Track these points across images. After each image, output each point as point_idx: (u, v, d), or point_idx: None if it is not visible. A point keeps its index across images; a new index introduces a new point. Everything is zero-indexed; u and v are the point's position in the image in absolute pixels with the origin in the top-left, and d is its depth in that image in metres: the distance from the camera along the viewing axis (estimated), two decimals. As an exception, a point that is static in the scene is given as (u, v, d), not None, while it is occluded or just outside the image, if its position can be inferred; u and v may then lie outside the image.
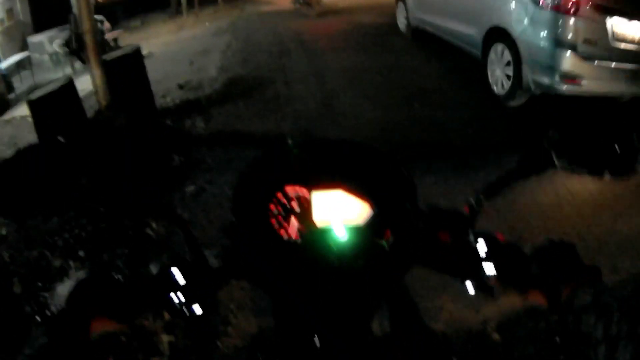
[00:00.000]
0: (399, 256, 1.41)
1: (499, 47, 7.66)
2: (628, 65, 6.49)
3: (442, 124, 7.21)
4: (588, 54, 6.46)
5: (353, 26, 14.21)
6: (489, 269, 1.33)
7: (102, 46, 14.39)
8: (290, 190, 1.47)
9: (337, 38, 13.10)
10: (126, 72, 8.45)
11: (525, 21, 7.02)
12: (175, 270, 1.34)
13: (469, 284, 1.36)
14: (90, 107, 8.27)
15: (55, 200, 1.40)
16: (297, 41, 13.24)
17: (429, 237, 1.40)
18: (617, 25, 6.38)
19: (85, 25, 7.64)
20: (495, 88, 7.90)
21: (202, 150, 6.90)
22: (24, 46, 16.25)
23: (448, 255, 1.40)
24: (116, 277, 1.34)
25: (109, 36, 15.95)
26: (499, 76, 7.73)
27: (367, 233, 1.39)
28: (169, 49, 14.86)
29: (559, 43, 6.55)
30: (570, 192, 5.12)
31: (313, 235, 1.41)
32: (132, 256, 4.80)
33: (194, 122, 8.17)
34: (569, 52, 6.48)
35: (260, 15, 19.19)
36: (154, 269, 1.36)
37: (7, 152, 8.45)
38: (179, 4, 21.64)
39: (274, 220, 1.44)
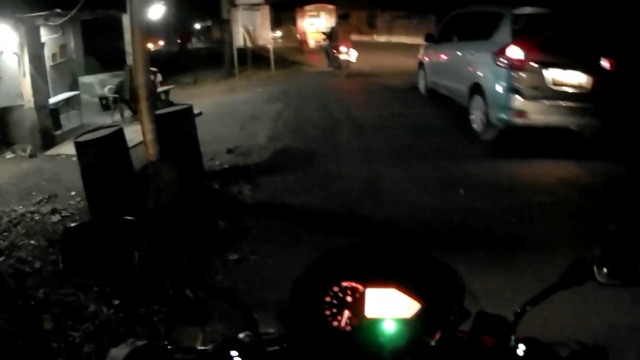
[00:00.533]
0: (444, 356, 1.41)
1: (477, 97, 10.42)
2: (563, 103, 9.20)
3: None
4: (532, 95, 9.17)
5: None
6: None
7: (154, 100, 14.50)
8: (346, 285, 1.56)
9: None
10: (176, 129, 8.42)
11: (490, 76, 9.84)
12: (233, 353, 1.35)
13: None
14: (136, 158, 8.13)
15: (119, 272, 1.47)
16: (344, 114, 13.52)
17: (473, 340, 1.43)
18: (553, 74, 9.17)
19: (140, 78, 7.60)
20: (475, 126, 10.66)
21: (248, 219, 6.88)
22: (74, 85, 16.40)
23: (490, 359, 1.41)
24: (170, 349, 1.40)
25: (160, 90, 16.06)
26: (477, 117, 10.51)
27: (416, 329, 1.42)
28: (220, 110, 14.93)
29: (511, 89, 9.25)
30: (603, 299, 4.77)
31: (364, 327, 1.46)
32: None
33: (241, 189, 8.05)
34: (518, 95, 9.18)
35: (306, 75, 20.59)
36: (211, 348, 1.38)
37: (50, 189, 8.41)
38: (232, 65, 21.90)
39: (328, 312, 1.51)
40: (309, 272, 1.62)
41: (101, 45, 21.28)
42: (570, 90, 9.16)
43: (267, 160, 9.66)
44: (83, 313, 4.83)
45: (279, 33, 45.91)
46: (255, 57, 22.79)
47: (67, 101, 14.47)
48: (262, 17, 21.22)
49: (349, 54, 19.48)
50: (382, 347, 1.39)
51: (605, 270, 1.41)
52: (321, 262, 1.67)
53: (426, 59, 14.57)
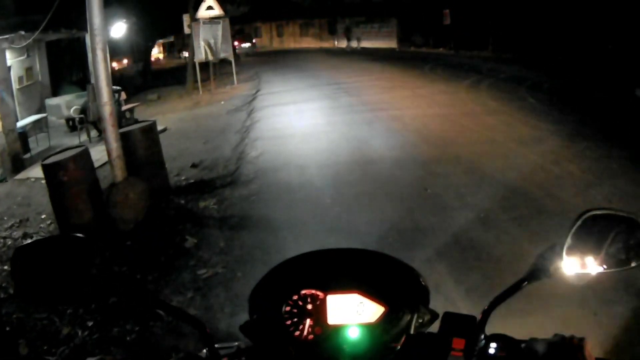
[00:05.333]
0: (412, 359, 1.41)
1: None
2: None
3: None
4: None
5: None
6: None
7: (119, 118, 14.62)
8: (306, 293, 1.54)
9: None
10: (141, 146, 8.56)
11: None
12: None
13: None
14: (104, 178, 8.30)
15: (70, 291, 1.41)
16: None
17: (442, 342, 1.40)
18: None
19: (104, 97, 7.65)
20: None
21: (215, 232, 6.98)
22: (41, 108, 16.43)
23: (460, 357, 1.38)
24: None
25: (125, 108, 16.17)
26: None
27: (381, 334, 1.44)
28: (184, 125, 15.10)
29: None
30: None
31: (327, 336, 1.47)
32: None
33: (206, 203, 8.20)
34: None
35: (272, 94, 19.71)
36: None
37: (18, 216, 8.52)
38: (196, 80, 22.04)
39: (289, 322, 1.51)
40: (265, 282, 1.62)
41: (67, 66, 21.30)
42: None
43: (231, 172, 9.82)
44: (58, 336, 4.88)
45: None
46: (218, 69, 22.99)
47: (34, 124, 14.51)
48: (223, 30, 21.36)
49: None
50: (346, 354, 1.41)
51: (575, 259, 1.39)
52: (278, 270, 1.65)
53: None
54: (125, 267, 6.00)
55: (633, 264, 1.42)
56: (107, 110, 7.70)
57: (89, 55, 14.28)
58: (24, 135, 13.28)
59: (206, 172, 10.02)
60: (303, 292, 1.55)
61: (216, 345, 1.42)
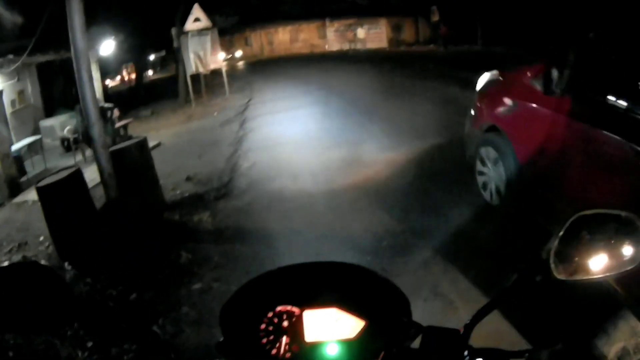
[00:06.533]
0: None
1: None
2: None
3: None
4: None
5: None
6: None
7: (113, 135, 14.70)
8: (282, 310, 1.51)
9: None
10: (133, 163, 8.60)
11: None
12: None
13: None
14: (100, 197, 8.36)
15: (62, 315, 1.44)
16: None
17: (424, 356, 1.38)
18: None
19: (92, 118, 7.68)
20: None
21: (209, 246, 7.03)
22: (35, 130, 16.50)
23: None
24: None
25: (119, 125, 16.24)
26: None
27: (361, 350, 1.39)
28: (178, 139, 15.19)
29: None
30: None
31: (304, 353, 1.42)
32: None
33: (201, 217, 8.26)
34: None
35: (264, 102, 19.73)
36: None
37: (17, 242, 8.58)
38: (188, 93, 22.07)
39: (265, 340, 1.47)
40: (238, 298, 1.58)
41: (60, 86, 21.36)
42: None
43: (225, 184, 9.88)
44: (59, 359, 4.90)
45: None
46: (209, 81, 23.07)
47: (29, 147, 14.58)
48: (212, 41, 21.42)
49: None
50: None
51: (564, 265, 1.34)
52: (251, 286, 1.62)
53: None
54: (120, 286, 6.06)
55: (629, 267, 1.36)
56: (95, 130, 7.74)
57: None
58: (19, 159, 13.36)
59: (200, 185, 10.08)
60: (278, 308, 1.51)
61: None
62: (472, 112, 7.30)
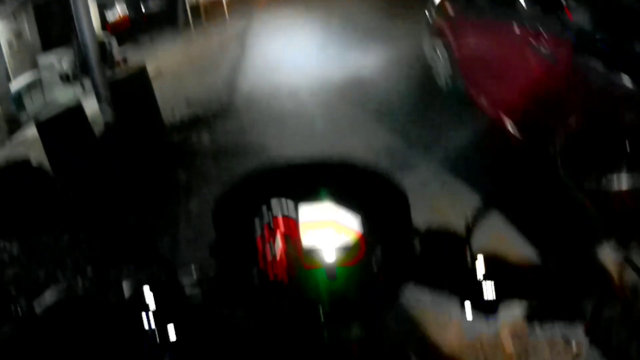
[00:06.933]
0: (392, 281, 1.35)
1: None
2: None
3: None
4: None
5: None
6: (489, 288, 1.27)
7: (112, 66, 14.53)
8: (276, 204, 1.40)
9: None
10: (133, 91, 8.54)
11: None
12: (148, 296, 1.27)
13: (468, 305, 1.30)
14: (100, 126, 8.32)
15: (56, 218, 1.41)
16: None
17: (424, 257, 1.34)
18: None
19: (90, 49, 7.70)
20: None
21: (208, 164, 7.04)
22: (34, 67, 16.33)
23: (445, 275, 1.32)
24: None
25: (118, 56, 16.03)
26: None
27: (360, 272, 1.33)
28: (178, 66, 14.93)
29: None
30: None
31: (302, 277, 1.34)
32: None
33: (200, 137, 8.28)
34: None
35: (265, 26, 19.23)
36: (126, 289, 1.30)
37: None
38: (187, 21, 21.67)
39: (259, 239, 1.38)
40: (229, 197, 1.51)
41: (58, 20, 21.00)
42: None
43: (225, 106, 9.83)
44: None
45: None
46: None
47: (28, 85, 14.50)
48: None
49: None
50: (324, 296, 1.32)
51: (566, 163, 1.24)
52: (243, 183, 1.53)
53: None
54: (120, 210, 6.03)
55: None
56: (94, 61, 7.69)
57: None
58: (18, 97, 13.39)
59: (200, 108, 10.01)
60: (272, 204, 1.40)
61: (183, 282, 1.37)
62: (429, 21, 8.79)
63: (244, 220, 1.41)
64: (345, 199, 1.37)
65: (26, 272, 5.17)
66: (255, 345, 1.37)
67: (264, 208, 1.39)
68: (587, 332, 1.12)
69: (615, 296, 1.11)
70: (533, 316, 1.26)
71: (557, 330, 1.22)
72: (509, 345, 3.46)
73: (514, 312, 1.29)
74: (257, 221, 1.40)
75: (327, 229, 1.35)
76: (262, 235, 1.38)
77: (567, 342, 3.28)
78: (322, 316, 1.31)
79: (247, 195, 1.47)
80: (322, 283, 1.31)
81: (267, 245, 1.37)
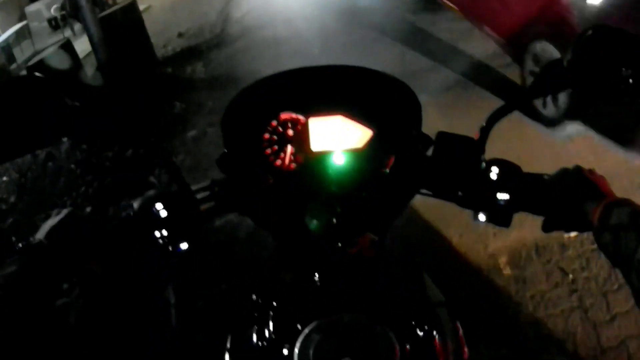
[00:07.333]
0: (402, 184, 1.31)
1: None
2: None
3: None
4: None
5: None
6: (503, 197, 1.20)
7: (102, 5, 14.31)
8: (286, 118, 1.40)
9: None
10: (123, 26, 8.40)
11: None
12: (158, 206, 1.25)
13: (481, 215, 1.24)
14: (92, 65, 8.23)
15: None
16: None
17: (435, 164, 1.28)
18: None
19: None
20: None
21: (203, 94, 6.90)
22: (22, 17, 16.19)
23: (458, 183, 1.27)
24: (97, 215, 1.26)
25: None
26: None
27: (368, 160, 1.31)
28: (169, -1, 14.63)
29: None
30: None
31: (309, 163, 1.34)
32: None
33: (194, 68, 8.11)
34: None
35: None
36: (136, 204, 1.26)
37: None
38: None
39: (268, 151, 1.39)
40: (238, 106, 1.44)
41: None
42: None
43: (217, 35, 9.63)
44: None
45: None
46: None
47: (17, 34, 14.30)
48: None
49: None
50: (331, 181, 1.30)
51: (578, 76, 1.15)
52: (252, 92, 1.47)
53: None
54: (116, 146, 5.94)
55: None
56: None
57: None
58: (7, 48, 13.30)
59: (192, 39, 9.83)
60: (282, 116, 1.41)
61: (192, 187, 1.32)
62: None
63: (253, 134, 1.41)
64: (355, 109, 1.36)
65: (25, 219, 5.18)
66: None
67: (273, 122, 1.41)
68: (596, 239, 1.05)
69: (622, 201, 0.99)
70: (544, 226, 1.19)
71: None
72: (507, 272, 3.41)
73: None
74: (265, 134, 1.40)
75: (336, 118, 1.36)
76: (270, 134, 1.40)
77: (563, 272, 3.28)
78: (328, 202, 1.26)
79: (255, 109, 1.44)
80: (329, 168, 1.30)
81: (275, 138, 1.40)
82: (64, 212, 1.24)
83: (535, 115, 4.72)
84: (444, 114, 4.68)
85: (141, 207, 1.25)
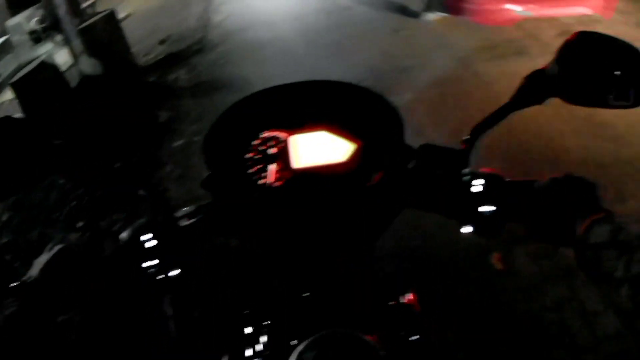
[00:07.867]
0: (387, 197, 1.31)
1: None
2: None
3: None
4: None
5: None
6: (489, 209, 1.21)
7: (82, 15, 14.25)
8: (268, 136, 1.43)
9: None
10: (103, 36, 8.37)
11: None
12: (147, 236, 1.26)
13: (467, 228, 1.25)
14: (75, 77, 8.22)
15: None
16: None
17: (421, 177, 1.29)
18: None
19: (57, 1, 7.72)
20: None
21: (187, 101, 6.92)
22: (3, 32, 16.11)
23: (442, 195, 1.28)
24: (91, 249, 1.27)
25: (86, 3, 15.69)
26: None
27: (352, 173, 1.33)
28: (149, 5, 14.50)
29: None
30: (571, 117, 4.96)
31: (295, 180, 1.35)
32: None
33: (177, 75, 8.11)
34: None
35: None
36: (125, 235, 1.28)
37: None
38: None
39: (252, 170, 1.40)
40: (220, 128, 1.47)
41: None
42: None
43: (199, 41, 9.61)
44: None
45: None
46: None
47: (-2, 49, 14.30)
48: None
49: None
50: (316, 196, 1.32)
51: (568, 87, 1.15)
52: (233, 113, 1.50)
53: None
54: (103, 158, 5.95)
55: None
56: (61, 10, 7.81)
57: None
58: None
59: (174, 45, 9.79)
60: (264, 134, 1.44)
61: (179, 214, 1.34)
62: None
63: (235, 154, 1.43)
64: (338, 124, 1.40)
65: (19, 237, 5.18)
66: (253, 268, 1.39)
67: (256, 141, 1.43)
68: (576, 258, 1.05)
69: (604, 217, 1.00)
70: (526, 237, 1.19)
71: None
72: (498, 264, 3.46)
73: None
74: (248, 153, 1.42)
75: (319, 133, 1.40)
76: (253, 149, 1.42)
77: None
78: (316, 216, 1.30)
79: (237, 129, 1.47)
80: (315, 184, 1.33)
81: (259, 156, 1.41)
82: (56, 248, 1.25)
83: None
84: (431, 111, 4.76)
85: (130, 239, 1.27)
